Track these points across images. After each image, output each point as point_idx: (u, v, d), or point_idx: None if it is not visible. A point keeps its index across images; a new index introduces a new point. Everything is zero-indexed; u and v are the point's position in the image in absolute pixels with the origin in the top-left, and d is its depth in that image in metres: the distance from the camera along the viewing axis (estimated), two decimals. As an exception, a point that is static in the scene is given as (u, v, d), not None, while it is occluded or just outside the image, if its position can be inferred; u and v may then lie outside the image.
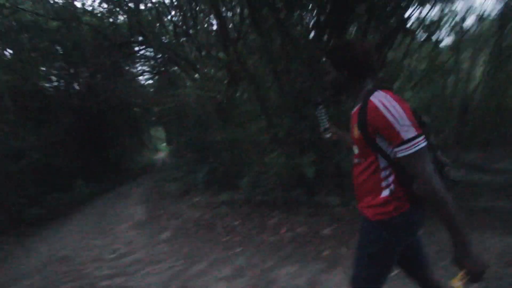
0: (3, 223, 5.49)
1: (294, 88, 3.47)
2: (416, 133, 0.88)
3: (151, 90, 14.12)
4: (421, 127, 0.93)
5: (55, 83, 11.41)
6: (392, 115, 0.88)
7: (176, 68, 9.36)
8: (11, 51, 9.83)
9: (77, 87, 11.72)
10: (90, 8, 9.08)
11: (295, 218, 3.14)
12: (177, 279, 2.33)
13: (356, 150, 1.08)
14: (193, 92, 7.16)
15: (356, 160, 1.09)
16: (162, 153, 22.00)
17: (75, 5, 9.18)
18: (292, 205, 3.34)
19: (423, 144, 0.88)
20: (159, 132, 24.25)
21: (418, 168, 0.88)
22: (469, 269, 0.85)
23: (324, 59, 1.16)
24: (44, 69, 10.92)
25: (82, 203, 7.48)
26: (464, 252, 0.85)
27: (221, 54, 6.52)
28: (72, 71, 11.16)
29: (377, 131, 0.93)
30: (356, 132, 1.00)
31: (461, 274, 0.86)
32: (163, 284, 2.30)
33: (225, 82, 6.49)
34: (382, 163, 0.98)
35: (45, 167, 7.81)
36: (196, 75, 7.63)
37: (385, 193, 0.98)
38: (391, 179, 0.98)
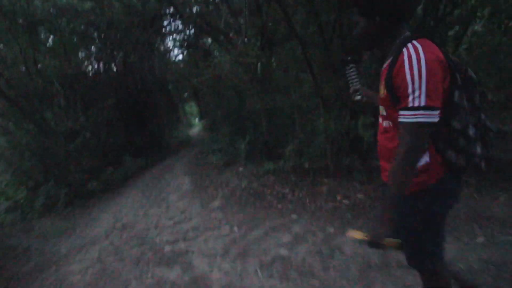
0: (68, 195, 6.13)
1: (344, 44, 3.06)
2: (424, 103, 0.77)
3: (181, 65, 14.17)
4: (465, 84, 0.84)
5: (95, 66, 11.97)
6: (412, 73, 0.77)
7: (208, 39, 9.10)
8: (53, 37, 10.37)
9: (114, 68, 12.18)
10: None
11: (350, 185, 2.94)
12: (238, 244, 2.34)
13: (383, 112, 0.96)
14: (227, 61, 6.93)
15: (383, 124, 0.97)
16: (196, 128, 22.70)
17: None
18: (344, 171, 3.12)
19: (426, 119, 0.78)
20: (191, 108, 24.93)
21: (405, 140, 0.81)
22: (370, 234, 0.90)
23: (351, 9, 0.98)
24: (82, 53, 11.45)
25: (131, 176, 8.05)
26: (379, 223, 0.87)
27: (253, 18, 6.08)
28: (108, 52, 11.52)
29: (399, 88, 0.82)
30: (382, 91, 0.90)
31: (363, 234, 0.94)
32: (224, 249, 2.32)
33: (258, 46, 6.12)
34: None
35: (96, 144, 8.44)
36: (229, 44, 7.33)
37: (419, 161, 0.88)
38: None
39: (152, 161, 9.77)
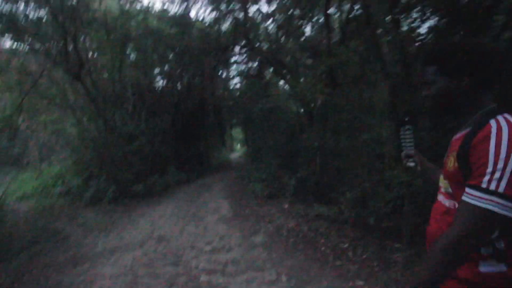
0: (115, 192, 6.35)
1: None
2: (504, 190, 0.62)
3: (238, 93, 14.92)
4: None
5: (164, 82, 13.27)
6: (499, 150, 0.63)
7: (269, 71, 9.46)
8: (135, 53, 11.91)
9: (179, 88, 13.33)
10: (201, 18, 10.25)
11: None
12: (288, 300, 1.94)
13: (448, 189, 0.81)
14: (289, 94, 6.99)
15: (444, 203, 0.82)
16: (236, 153, 23.11)
17: (190, 15, 10.53)
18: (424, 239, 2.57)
19: (500, 210, 0.62)
20: (237, 133, 25.76)
21: (463, 222, 0.66)
22: None
23: (424, 66, 0.84)
24: (157, 70, 12.87)
25: (172, 187, 8.16)
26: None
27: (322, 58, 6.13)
28: (178, 72, 12.74)
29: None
30: (451, 163, 0.76)
31: None
32: (271, 301, 1.95)
33: (323, 84, 6.05)
34: None
35: (148, 151, 8.91)
36: (292, 79, 7.45)
37: (485, 266, 0.69)
38: (500, 245, 0.68)
39: (192, 177, 9.91)
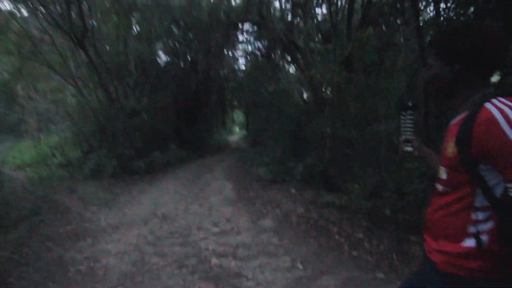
0: (116, 167, 6.21)
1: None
2: None
3: (243, 75, 14.52)
4: None
5: (168, 58, 12.79)
6: None
7: (280, 54, 9.10)
8: (141, 24, 11.36)
9: (182, 65, 12.88)
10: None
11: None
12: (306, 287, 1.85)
13: (444, 175, 0.78)
14: (300, 78, 6.73)
15: (440, 188, 0.79)
16: (235, 136, 22.98)
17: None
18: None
19: None
20: (237, 116, 25.48)
21: None
22: None
23: (429, 48, 0.84)
24: (161, 44, 12.35)
25: (173, 165, 8.03)
26: None
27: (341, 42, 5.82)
28: (182, 49, 12.25)
29: (485, 153, 0.65)
30: (450, 149, 0.73)
31: None
32: (288, 288, 1.85)
33: (338, 69, 5.80)
34: (479, 201, 0.69)
35: (150, 127, 8.69)
36: (305, 63, 7.14)
37: (470, 242, 0.69)
38: (486, 226, 0.68)
39: (193, 156, 9.78)
